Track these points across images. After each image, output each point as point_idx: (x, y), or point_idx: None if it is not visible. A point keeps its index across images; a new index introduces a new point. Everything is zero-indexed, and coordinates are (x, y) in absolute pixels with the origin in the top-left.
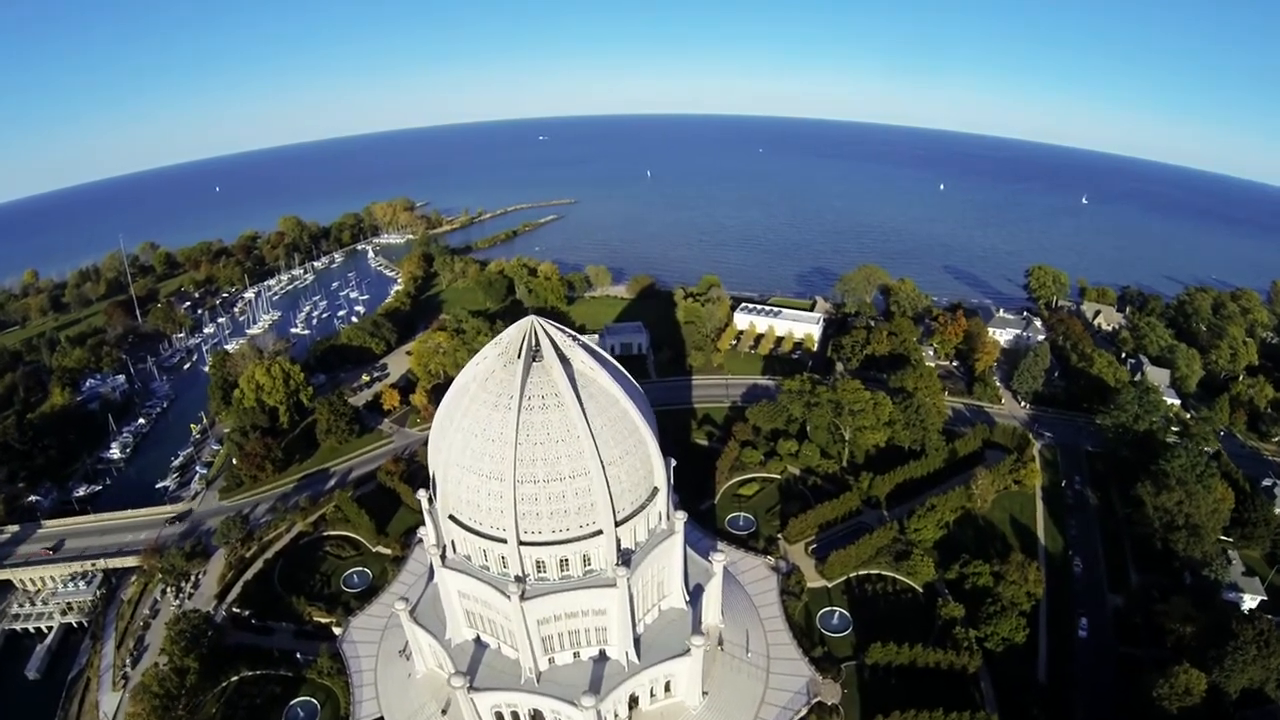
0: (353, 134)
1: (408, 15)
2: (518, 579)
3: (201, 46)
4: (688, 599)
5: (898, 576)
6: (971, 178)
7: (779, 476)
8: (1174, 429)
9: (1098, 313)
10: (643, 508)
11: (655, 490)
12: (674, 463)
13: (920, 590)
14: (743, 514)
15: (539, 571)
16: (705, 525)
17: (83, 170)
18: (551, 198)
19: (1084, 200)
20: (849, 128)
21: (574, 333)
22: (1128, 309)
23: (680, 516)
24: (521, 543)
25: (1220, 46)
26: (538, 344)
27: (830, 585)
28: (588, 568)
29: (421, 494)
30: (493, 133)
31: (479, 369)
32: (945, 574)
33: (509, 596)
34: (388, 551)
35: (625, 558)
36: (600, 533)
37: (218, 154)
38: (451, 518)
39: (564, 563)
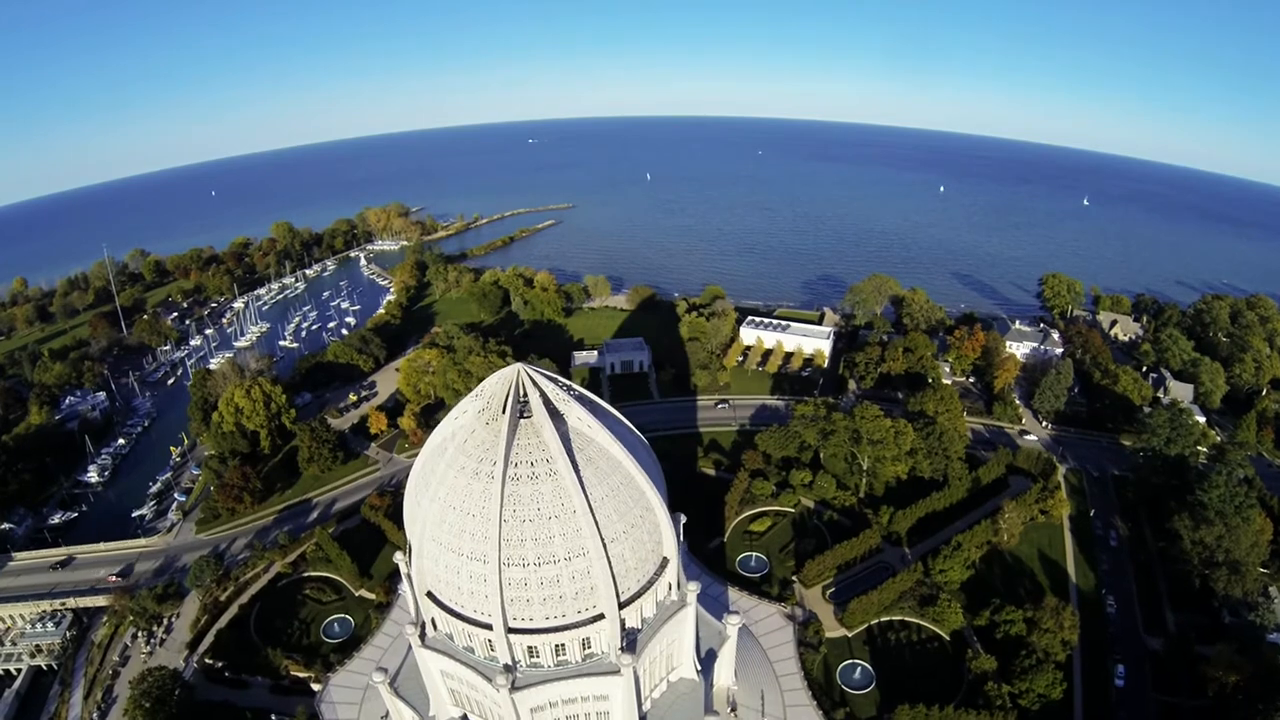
0: (347, 137)
1: (395, 16)
2: (507, 667)
3: (201, 46)
4: (699, 668)
5: (923, 624)
6: (971, 179)
7: (792, 510)
8: (1202, 450)
9: (1114, 323)
10: (650, 584)
11: (665, 561)
12: (684, 519)
13: (947, 638)
14: (755, 554)
15: (531, 657)
16: (714, 567)
17: (81, 174)
18: (549, 202)
19: (1085, 202)
20: (846, 129)
21: (568, 382)
22: (1144, 318)
23: (693, 588)
24: (510, 630)
25: (1219, 46)
26: (525, 397)
27: (850, 635)
28: (588, 651)
29: (399, 558)
30: (481, 136)
31: (457, 425)
32: (974, 620)
33: (497, 688)
34: (371, 597)
35: (630, 639)
36: (601, 617)
37: (214, 158)
38: (430, 595)
39: (560, 648)
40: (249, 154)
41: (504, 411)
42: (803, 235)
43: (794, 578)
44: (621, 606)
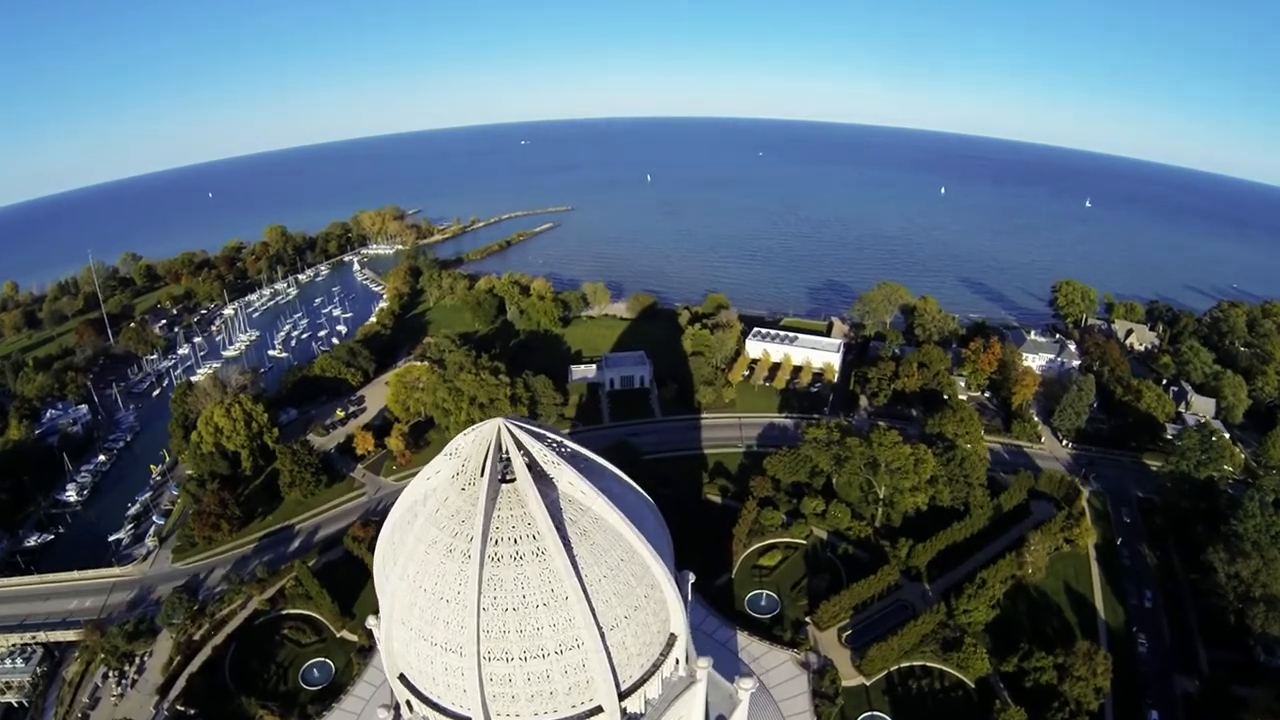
0: (344, 139)
1: (386, 14)
2: None
3: (199, 47)
4: None
5: (946, 669)
6: (972, 181)
7: (804, 542)
8: (1230, 469)
9: (1129, 332)
10: (656, 667)
11: (672, 638)
12: (692, 578)
13: (973, 686)
14: (765, 592)
15: None
16: (722, 607)
17: (80, 175)
18: (547, 205)
19: (1087, 204)
20: (845, 129)
21: (559, 437)
22: (1159, 327)
23: (704, 664)
24: None
25: (1219, 46)
26: (507, 458)
27: (869, 683)
28: None
29: (372, 621)
30: (478, 137)
31: (429, 488)
32: (1001, 666)
33: None
34: (353, 639)
35: None
36: (599, 710)
37: (212, 158)
38: (402, 678)
39: None
40: (247, 155)
41: (482, 474)
42: (805, 239)
43: (807, 619)
44: (622, 697)
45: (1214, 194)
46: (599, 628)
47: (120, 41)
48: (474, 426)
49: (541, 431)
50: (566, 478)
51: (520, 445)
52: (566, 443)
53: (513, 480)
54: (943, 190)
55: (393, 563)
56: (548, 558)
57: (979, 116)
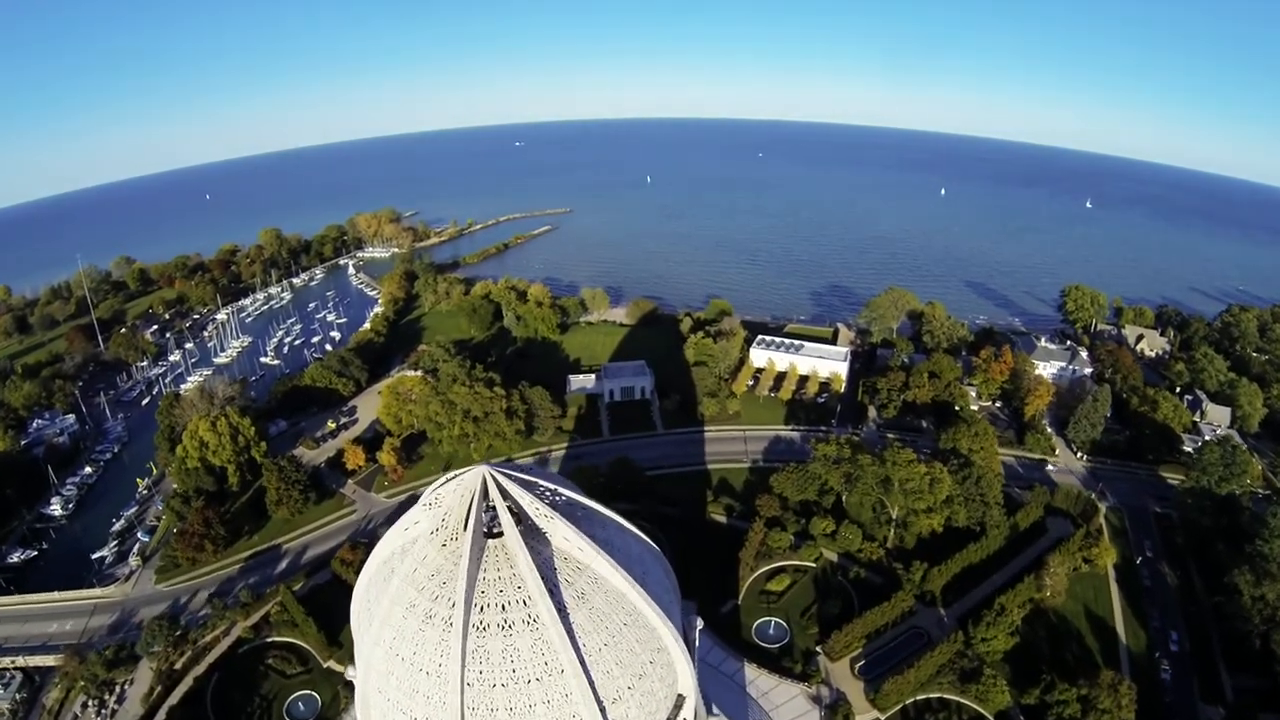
0: (341, 140)
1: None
2: None
3: (197, 47)
4: None
5: (965, 702)
6: (972, 182)
7: (813, 564)
8: (1249, 482)
9: (1140, 338)
10: None
11: (681, 700)
12: (700, 624)
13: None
14: (774, 619)
15: None
16: (728, 636)
17: (80, 175)
18: (545, 207)
19: (1088, 205)
20: (843, 130)
21: (551, 484)
22: (1169, 332)
23: None
24: None
25: (1219, 45)
26: (493, 512)
27: (884, 718)
28: None
29: (351, 673)
30: (476, 139)
31: (407, 539)
32: (1023, 697)
33: None
34: (340, 669)
35: None
36: None
37: (212, 160)
38: None
39: None
40: (245, 157)
41: (466, 528)
42: (807, 242)
43: (818, 649)
44: None
45: (1217, 195)
46: (599, 703)
47: (120, 41)
48: (456, 474)
49: (531, 479)
50: (561, 533)
51: (507, 495)
52: (561, 490)
53: (500, 534)
54: (943, 191)
55: (367, 623)
56: (540, 627)
57: (977, 117)
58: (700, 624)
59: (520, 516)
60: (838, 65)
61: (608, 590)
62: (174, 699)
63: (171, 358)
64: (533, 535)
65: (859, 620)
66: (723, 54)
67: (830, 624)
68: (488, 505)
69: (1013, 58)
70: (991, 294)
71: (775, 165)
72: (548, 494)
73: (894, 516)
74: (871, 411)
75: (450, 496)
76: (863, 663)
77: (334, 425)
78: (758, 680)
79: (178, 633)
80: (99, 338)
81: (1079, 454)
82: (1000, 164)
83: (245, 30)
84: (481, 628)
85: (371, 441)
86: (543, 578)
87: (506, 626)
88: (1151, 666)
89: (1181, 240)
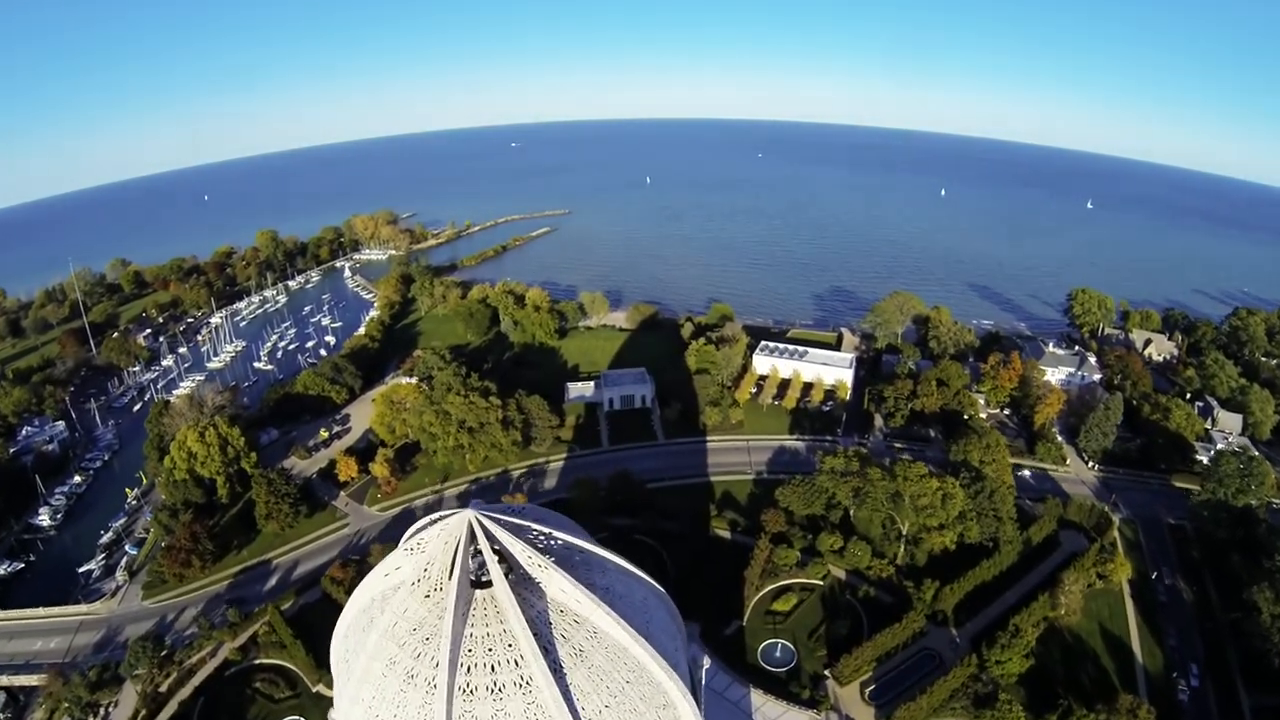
0: (339, 140)
1: (393, 15)
2: None
3: (196, 46)
4: None
5: None
6: (972, 183)
7: (821, 583)
8: (1264, 494)
9: (1148, 342)
10: None
11: None
12: (707, 664)
13: None
14: (780, 641)
15: None
16: (733, 660)
17: (79, 176)
18: (544, 208)
19: (1089, 205)
20: (843, 130)
21: (545, 528)
22: (1177, 336)
23: None
24: None
25: (1219, 45)
26: (481, 560)
27: None
28: None
29: (333, 715)
30: (474, 139)
31: (387, 586)
32: None
33: None
34: (330, 694)
35: None
36: None
37: (210, 160)
38: None
39: None
40: (244, 158)
41: (451, 576)
42: (808, 244)
43: (826, 673)
44: None
45: (1217, 196)
46: None
47: (120, 41)
48: (439, 516)
49: (523, 523)
50: (557, 583)
51: (495, 542)
52: (556, 534)
53: (488, 584)
54: (943, 192)
55: (345, 679)
56: (534, 690)
57: (975, 117)
58: (707, 663)
59: (512, 565)
60: (837, 65)
61: (608, 645)
62: None
63: (164, 362)
64: (525, 585)
65: (869, 643)
66: (723, 54)
67: (839, 645)
68: (475, 550)
69: (1012, 58)
70: (995, 297)
71: (775, 166)
72: (541, 539)
73: (904, 533)
74: (878, 420)
75: (434, 543)
76: (873, 687)
77: (326, 434)
78: (764, 707)
79: (163, 653)
80: (91, 342)
81: (1090, 463)
82: (999, 165)
83: (246, 30)
84: (469, 691)
85: (364, 452)
86: (536, 634)
87: (496, 690)
88: (1168, 687)
89: (1183, 241)
